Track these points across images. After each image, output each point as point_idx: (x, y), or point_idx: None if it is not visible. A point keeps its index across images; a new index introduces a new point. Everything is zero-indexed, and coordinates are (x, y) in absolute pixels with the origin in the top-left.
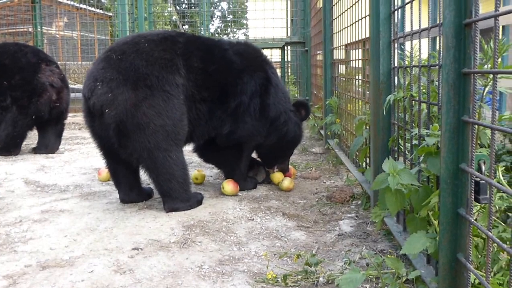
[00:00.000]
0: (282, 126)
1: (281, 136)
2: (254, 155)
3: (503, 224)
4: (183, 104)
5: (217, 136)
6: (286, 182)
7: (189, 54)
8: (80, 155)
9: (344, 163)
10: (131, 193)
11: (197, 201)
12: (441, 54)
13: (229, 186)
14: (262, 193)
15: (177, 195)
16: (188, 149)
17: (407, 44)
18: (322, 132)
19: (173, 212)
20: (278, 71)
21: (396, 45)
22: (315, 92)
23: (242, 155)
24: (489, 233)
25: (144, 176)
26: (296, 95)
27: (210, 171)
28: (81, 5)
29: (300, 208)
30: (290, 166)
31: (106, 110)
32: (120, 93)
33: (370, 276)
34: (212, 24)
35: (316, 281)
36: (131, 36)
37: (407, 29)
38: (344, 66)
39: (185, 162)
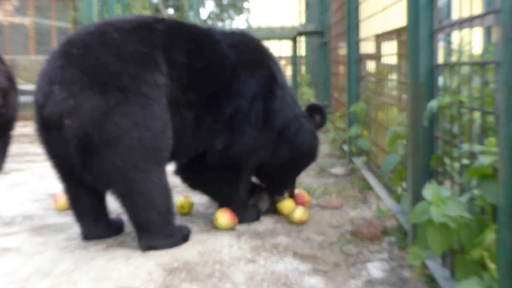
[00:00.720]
0: (293, 136)
1: (293, 149)
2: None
3: None
4: (166, 110)
5: (208, 153)
6: (299, 213)
7: (171, 46)
8: (31, 176)
9: (373, 188)
10: (96, 227)
11: (183, 237)
12: (499, 48)
13: (224, 217)
14: (267, 227)
15: (157, 229)
16: (169, 169)
17: (455, 36)
18: (345, 147)
19: (152, 251)
20: (289, 68)
21: (440, 36)
22: (336, 96)
23: (240, 177)
24: None
25: (113, 204)
26: (311, 99)
27: (200, 198)
28: None
29: (317, 247)
30: (303, 192)
31: (66, 121)
32: (85, 99)
33: None
34: (204, 8)
35: None
36: (97, 24)
37: (455, 16)
38: (374, 62)
39: (168, 186)
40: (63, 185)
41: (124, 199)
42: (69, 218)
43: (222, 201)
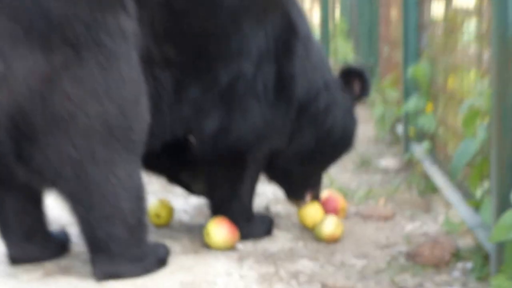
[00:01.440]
0: (322, 114)
1: (321, 133)
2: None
3: None
4: (138, 70)
5: (195, 138)
6: (329, 226)
7: None
8: None
9: (440, 190)
10: (29, 244)
11: (158, 260)
12: None
13: (219, 231)
14: (283, 246)
15: (122, 249)
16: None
17: None
18: (399, 129)
19: (112, 281)
20: (316, 12)
21: None
22: (386, 53)
23: (244, 174)
24: None
25: (54, 210)
26: (349, 58)
27: (184, 202)
28: None
29: (356, 276)
30: (336, 194)
31: None
32: (17, 59)
33: None
34: None
35: None
36: None
37: None
38: (442, 4)
39: (142, 185)
40: None
41: (75, 203)
42: None
43: (216, 207)
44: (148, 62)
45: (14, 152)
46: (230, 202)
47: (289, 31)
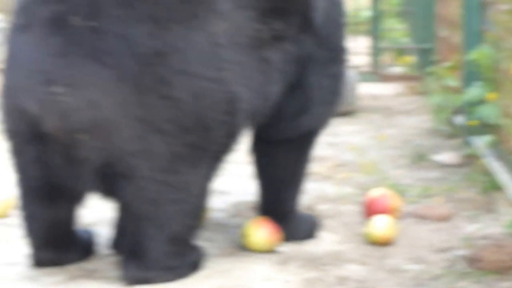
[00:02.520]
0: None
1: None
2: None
3: None
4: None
5: (280, 120)
6: (381, 226)
7: None
8: None
9: (504, 188)
10: (54, 247)
11: (192, 264)
12: None
13: (259, 232)
14: (330, 248)
15: (162, 258)
16: None
17: None
18: (459, 120)
19: (140, 287)
20: None
21: None
22: (444, 35)
23: (306, 158)
24: None
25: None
26: (403, 39)
27: (221, 200)
28: None
29: (410, 282)
30: (387, 192)
31: (81, 136)
32: (112, 104)
33: None
34: None
35: None
36: None
37: None
38: None
39: (206, 198)
40: (20, 185)
41: (131, 211)
42: (6, 230)
43: (268, 204)
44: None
45: (99, 187)
46: (294, 196)
47: None
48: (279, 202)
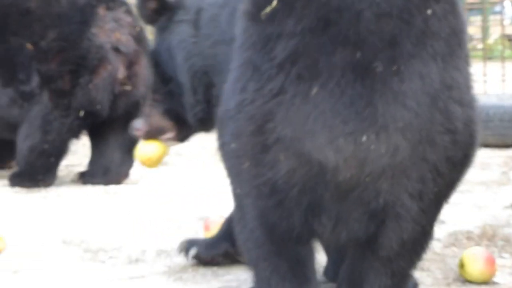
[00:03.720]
0: None
1: None
2: None
3: None
4: None
5: None
6: (477, 263)
7: None
8: (169, 186)
9: None
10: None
11: None
12: None
13: (476, 262)
14: None
15: (381, 286)
16: None
17: None
18: None
19: None
20: None
21: None
22: None
23: None
24: None
25: None
26: None
27: (435, 227)
28: None
29: None
30: None
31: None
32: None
33: None
34: None
35: None
36: None
37: None
38: None
39: None
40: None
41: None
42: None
43: None
44: None
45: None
46: None
47: None
48: None
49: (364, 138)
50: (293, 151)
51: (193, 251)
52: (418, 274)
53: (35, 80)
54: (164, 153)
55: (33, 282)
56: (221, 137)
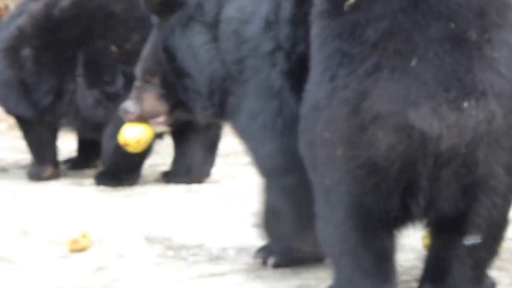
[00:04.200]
0: None
1: None
2: None
3: None
4: None
5: None
6: None
7: None
8: (250, 184)
9: None
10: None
11: None
12: None
13: None
14: None
15: (463, 277)
16: None
17: None
18: None
19: None
20: None
21: None
22: None
23: None
24: None
25: None
26: None
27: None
28: None
29: None
30: None
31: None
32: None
33: None
34: None
35: None
36: None
37: None
38: None
39: None
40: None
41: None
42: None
43: None
44: None
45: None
46: None
47: None
48: None
49: (465, 105)
50: (393, 126)
51: (271, 261)
52: (495, 274)
53: (120, 82)
54: (151, 137)
55: (117, 278)
56: (308, 134)
